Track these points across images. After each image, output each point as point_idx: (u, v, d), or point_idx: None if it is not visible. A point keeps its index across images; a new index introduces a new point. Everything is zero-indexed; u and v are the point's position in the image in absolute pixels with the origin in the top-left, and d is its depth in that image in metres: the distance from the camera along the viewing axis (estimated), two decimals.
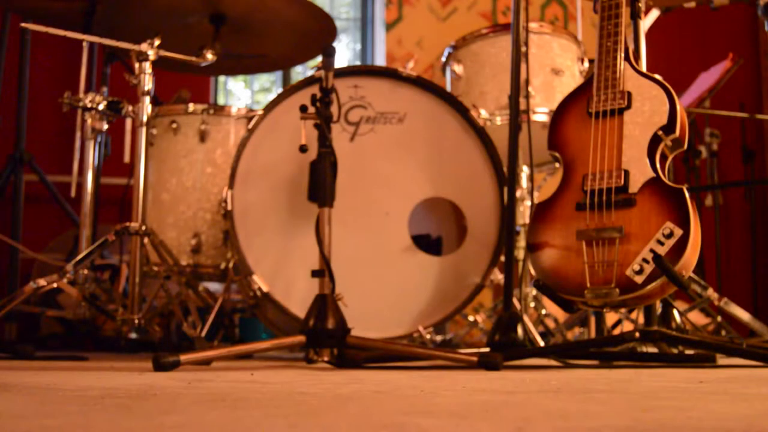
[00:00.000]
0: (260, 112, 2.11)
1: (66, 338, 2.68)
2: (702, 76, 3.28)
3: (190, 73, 3.15)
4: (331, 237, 1.66)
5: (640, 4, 1.81)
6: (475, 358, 1.47)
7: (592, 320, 2.34)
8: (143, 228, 2.01)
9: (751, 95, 4.56)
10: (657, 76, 1.63)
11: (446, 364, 1.67)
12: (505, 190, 2.01)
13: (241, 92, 5.19)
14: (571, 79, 2.43)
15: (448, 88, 2.54)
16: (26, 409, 0.71)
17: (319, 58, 1.77)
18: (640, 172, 1.56)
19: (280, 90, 2.22)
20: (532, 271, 1.67)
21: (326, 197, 1.66)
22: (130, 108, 2.15)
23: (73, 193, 2.36)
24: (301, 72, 4.32)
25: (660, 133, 1.57)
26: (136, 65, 2.07)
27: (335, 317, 1.60)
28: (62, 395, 0.85)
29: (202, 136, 2.39)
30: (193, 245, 2.35)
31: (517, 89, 1.94)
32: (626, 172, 1.56)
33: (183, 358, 1.34)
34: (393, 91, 2.16)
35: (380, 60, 4.61)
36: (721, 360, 1.71)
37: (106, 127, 2.22)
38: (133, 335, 2.02)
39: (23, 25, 2.03)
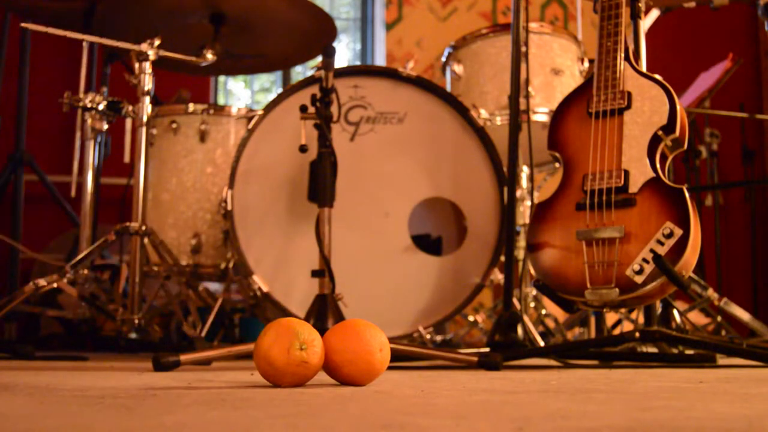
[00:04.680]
0: (260, 112, 2.11)
1: (66, 338, 2.68)
2: (702, 76, 3.28)
3: (190, 73, 3.15)
4: (331, 237, 1.66)
5: (640, 4, 1.81)
6: (475, 358, 1.47)
7: (592, 320, 2.34)
8: (143, 228, 2.01)
9: (751, 95, 4.56)
10: (657, 76, 1.63)
11: (446, 364, 1.67)
12: (505, 190, 2.01)
13: (241, 92, 5.19)
14: (571, 79, 2.43)
15: (448, 88, 2.54)
16: (26, 409, 0.71)
17: (319, 58, 1.77)
18: (640, 172, 1.56)
19: (280, 90, 2.22)
20: (532, 271, 1.67)
21: (326, 197, 1.66)
22: (130, 108, 2.15)
23: (73, 193, 2.36)
24: (301, 72, 4.32)
25: (660, 133, 1.57)
26: (136, 65, 2.07)
27: (335, 317, 1.60)
28: (62, 395, 0.85)
29: (202, 136, 2.39)
30: (193, 245, 2.35)
31: (517, 89, 1.94)
32: (626, 172, 1.56)
33: (183, 358, 1.34)
34: (393, 91, 2.16)
35: (380, 60, 4.61)
36: (721, 360, 1.71)
37: (106, 127, 2.22)
38: (133, 335, 2.02)
39: (23, 25, 2.03)
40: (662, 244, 1.47)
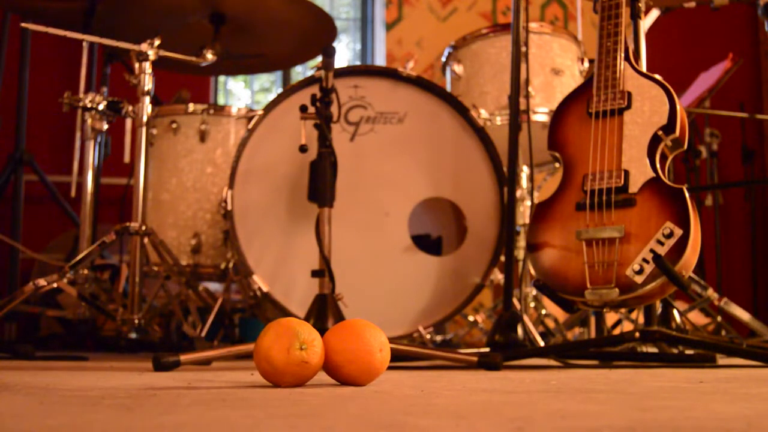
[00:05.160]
0: (260, 112, 2.11)
1: (66, 338, 2.69)
2: (702, 76, 3.28)
3: (190, 73, 3.16)
4: (331, 237, 1.66)
5: (640, 4, 1.81)
6: (475, 358, 1.47)
7: (592, 320, 2.34)
8: (143, 228, 2.01)
9: (751, 95, 4.56)
10: (657, 76, 1.63)
11: (446, 364, 1.67)
12: (505, 190, 2.01)
13: (241, 92, 5.19)
14: (571, 79, 2.43)
15: (448, 88, 2.54)
16: (26, 409, 0.71)
17: (319, 58, 1.77)
18: (640, 172, 1.56)
19: (280, 90, 2.22)
20: (532, 271, 1.67)
21: (326, 197, 1.66)
22: (130, 108, 2.15)
23: (73, 193, 2.36)
24: (301, 72, 4.32)
25: (660, 133, 1.57)
26: (136, 65, 2.07)
27: (335, 317, 1.60)
28: (62, 395, 0.85)
29: (202, 136, 2.39)
30: (193, 245, 2.35)
31: (517, 89, 1.94)
32: (626, 172, 1.56)
33: (183, 358, 1.34)
34: (393, 91, 2.16)
35: (380, 60, 4.61)
36: (721, 360, 1.71)
37: (106, 127, 2.22)
38: (133, 335, 2.02)
39: (23, 25, 2.03)
40: (662, 244, 1.47)
